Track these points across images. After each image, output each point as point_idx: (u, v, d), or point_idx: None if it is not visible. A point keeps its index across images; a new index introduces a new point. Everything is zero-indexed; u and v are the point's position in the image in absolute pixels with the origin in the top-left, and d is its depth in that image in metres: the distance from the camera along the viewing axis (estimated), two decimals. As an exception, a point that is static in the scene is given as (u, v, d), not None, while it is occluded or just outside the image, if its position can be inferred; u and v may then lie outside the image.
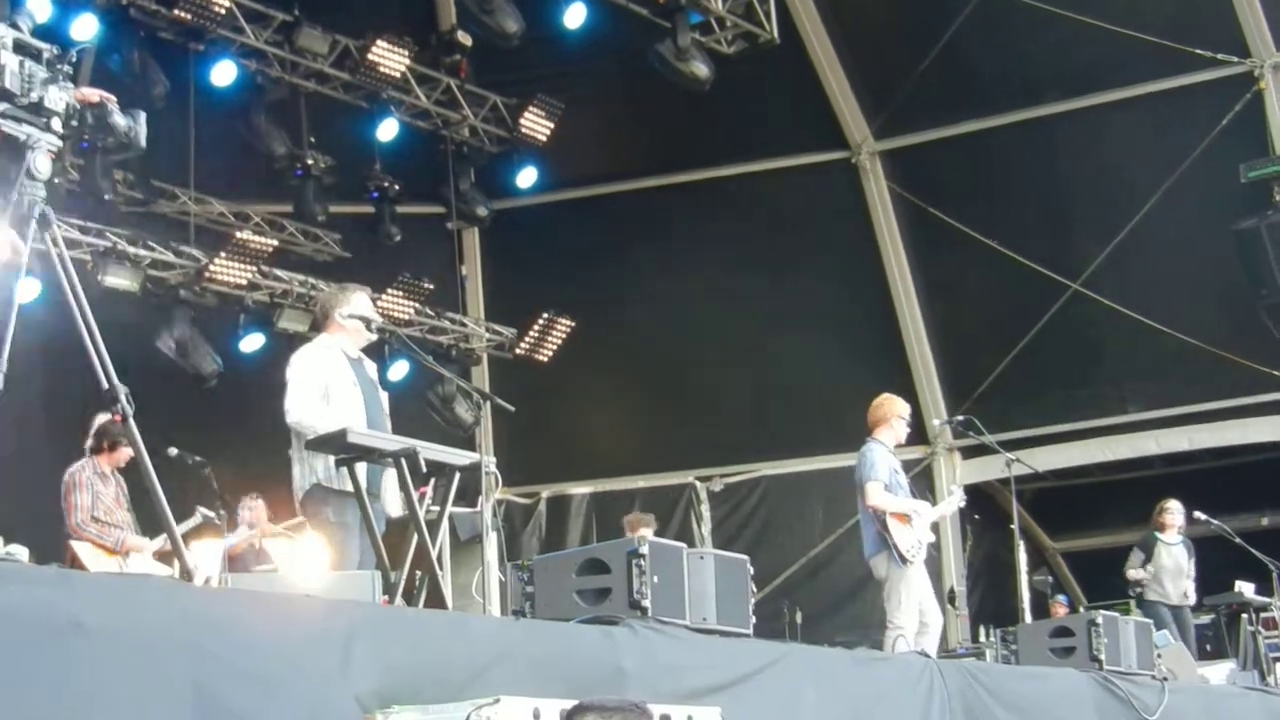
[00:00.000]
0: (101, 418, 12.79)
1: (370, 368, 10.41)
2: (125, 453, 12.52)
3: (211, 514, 13.98)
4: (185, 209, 19.78)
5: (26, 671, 4.65)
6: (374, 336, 10.36)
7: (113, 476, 12.99)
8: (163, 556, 12.72)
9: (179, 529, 13.15)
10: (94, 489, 12.84)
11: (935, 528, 14.31)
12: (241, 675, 5.33)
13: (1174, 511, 17.07)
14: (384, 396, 10.36)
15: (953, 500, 14.35)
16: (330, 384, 9.81)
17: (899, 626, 12.71)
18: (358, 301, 10.32)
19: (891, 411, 13.41)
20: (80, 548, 12.67)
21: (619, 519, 20.44)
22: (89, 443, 13.03)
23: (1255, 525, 19.42)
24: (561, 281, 22.62)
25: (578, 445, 23.10)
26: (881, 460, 13.08)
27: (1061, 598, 20.54)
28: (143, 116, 7.30)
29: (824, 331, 21.97)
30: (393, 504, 9.82)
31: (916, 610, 12.97)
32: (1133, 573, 16.93)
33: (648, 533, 14.44)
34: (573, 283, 22.49)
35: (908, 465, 14.19)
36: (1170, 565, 16.92)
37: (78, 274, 7.06)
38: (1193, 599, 16.91)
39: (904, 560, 12.79)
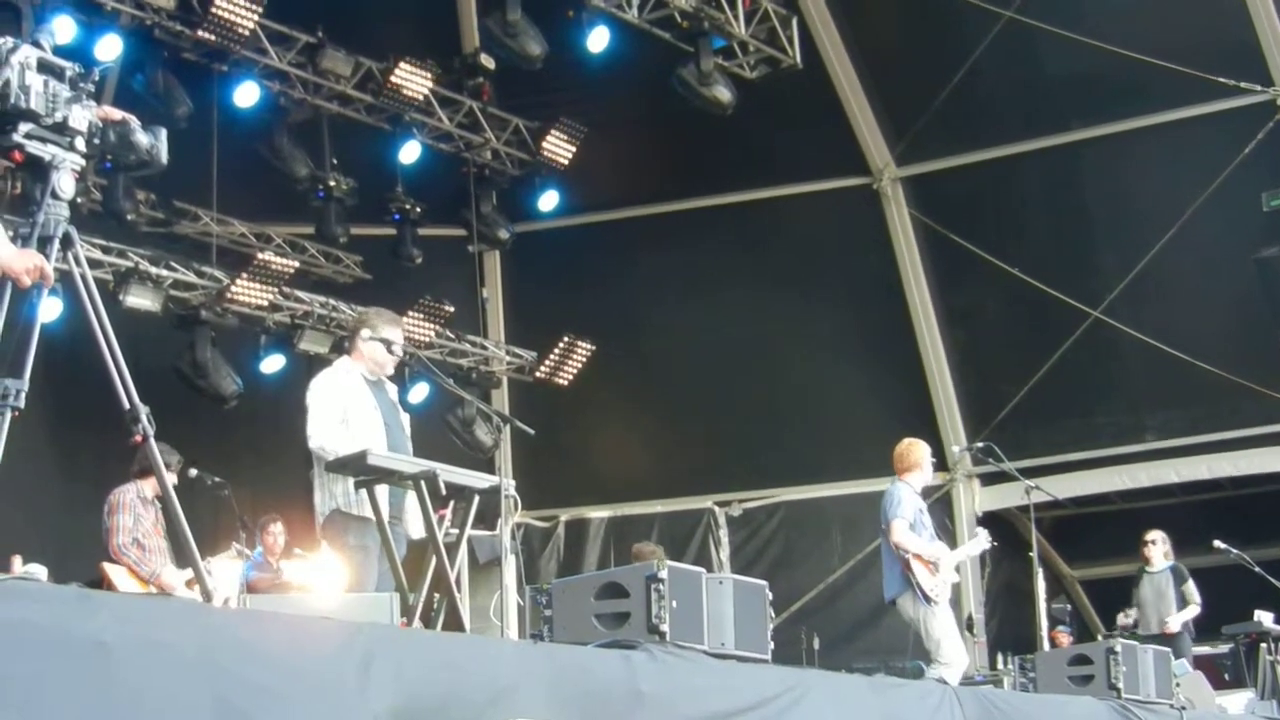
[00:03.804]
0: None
1: (391, 390, 10.38)
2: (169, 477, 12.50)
3: (245, 549, 13.98)
4: (207, 230, 19.84)
5: (47, 690, 4.65)
6: (395, 360, 10.33)
7: (153, 502, 12.97)
8: (193, 584, 12.69)
9: (210, 560, 13.22)
10: (136, 512, 12.82)
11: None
12: (261, 695, 5.33)
13: (1153, 542, 17.05)
14: (406, 419, 10.34)
15: (976, 543, 14.33)
16: (350, 408, 9.80)
17: (945, 663, 12.70)
18: (383, 325, 10.30)
19: (921, 457, 13.43)
20: (114, 572, 12.63)
21: (638, 543, 20.45)
22: (134, 466, 12.99)
23: (1275, 554, 19.32)
24: (582, 305, 22.65)
25: (597, 469, 23.09)
26: (908, 499, 13.09)
27: (1062, 627, 20.38)
28: (163, 133, 7.30)
29: (844, 357, 21.98)
30: (414, 526, 9.80)
31: (959, 643, 12.99)
32: (1121, 619, 16.94)
33: None
34: (594, 306, 22.51)
35: (928, 492, 14.16)
36: (1150, 595, 16.91)
37: (100, 294, 7.06)
38: (1173, 627, 16.74)
39: (929, 600, 12.79)
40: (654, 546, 16.48)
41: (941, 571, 12.97)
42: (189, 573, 12.37)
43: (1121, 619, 17.11)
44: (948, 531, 20.37)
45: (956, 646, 13.02)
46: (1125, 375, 20.84)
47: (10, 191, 6.88)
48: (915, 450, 13.49)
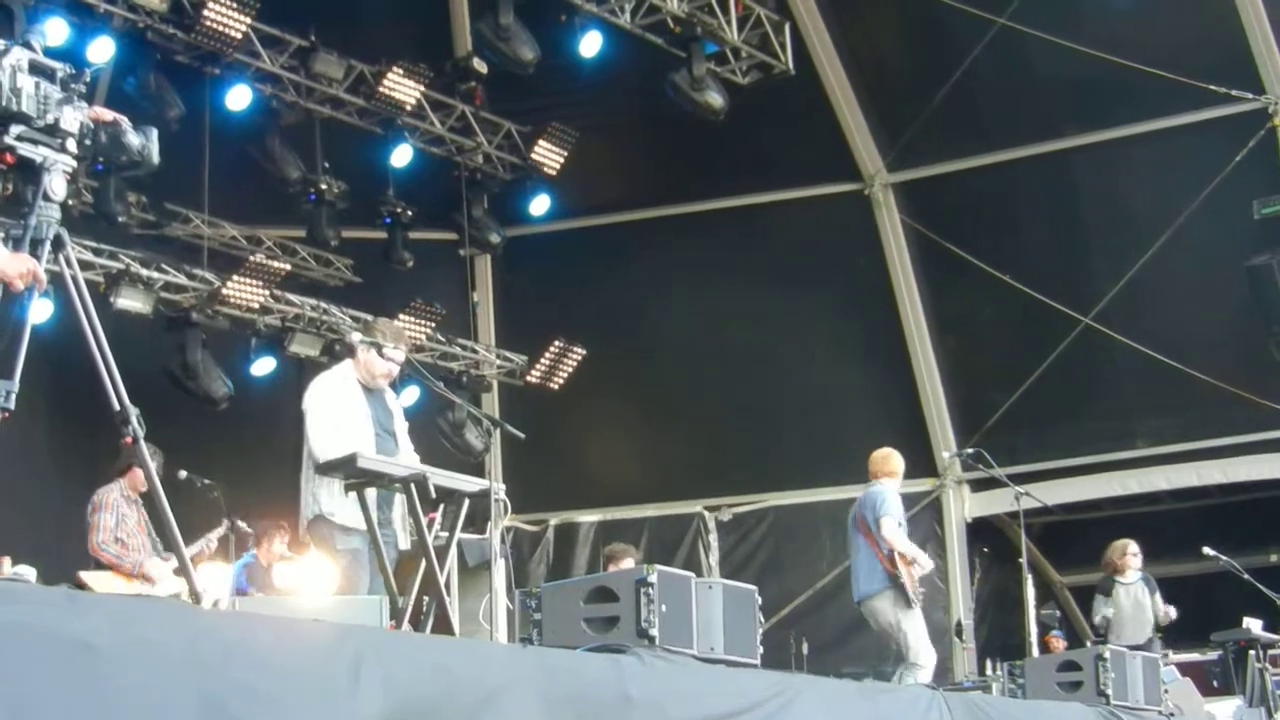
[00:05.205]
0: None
1: (389, 396, 10.38)
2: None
3: (243, 524, 13.95)
4: (198, 232, 19.81)
5: (35, 692, 4.64)
6: (389, 369, 10.29)
7: (136, 500, 12.95)
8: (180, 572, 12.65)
9: (207, 538, 13.24)
10: (119, 511, 12.78)
11: (938, 568, 14.32)
12: (251, 697, 5.32)
13: (1132, 554, 17.05)
14: (403, 427, 10.32)
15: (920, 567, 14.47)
16: (342, 414, 9.79)
17: (921, 665, 12.74)
18: (387, 336, 10.28)
19: (899, 466, 13.56)
20: (92, 578, 12.60)
21: (610, 544, 20.46)
22: (117, 464, 12.97)
23: (1264, 561, 19.35)
24: (573, 309, 22.65)
25: (587, 473, 23.08)
26: (895, 500, 13.14)
27: (1056, 632, 20.37)
28: (154, 133, 7.30)
29: (834, 363, 21.99)
30: (402, 536, 9.79)
31: (929, 644, 13.03)
32: (1099, 618, 16.92)
33: (629, 564, 14.41)
34: (584, 311, 22.51)
35: (917, 497, 14.22)
36: (1129, 606, 16.88)
37: (91, 296, 7.06)
38: (1150, 630, 16.77)
39: (911, 602, 12.83)
40: (625, 546, 16.48)
41: (916, 572, 13.04)
42: (174, 561, 12.38)
43: (1106, 614, 17.02)
44: (937, 538, 20.42)
45: (929, 648, 13.08)
46: (1116, 382, 20.86)
47: (1, 193, 6.89)
48: (895, 459, 13.61)
